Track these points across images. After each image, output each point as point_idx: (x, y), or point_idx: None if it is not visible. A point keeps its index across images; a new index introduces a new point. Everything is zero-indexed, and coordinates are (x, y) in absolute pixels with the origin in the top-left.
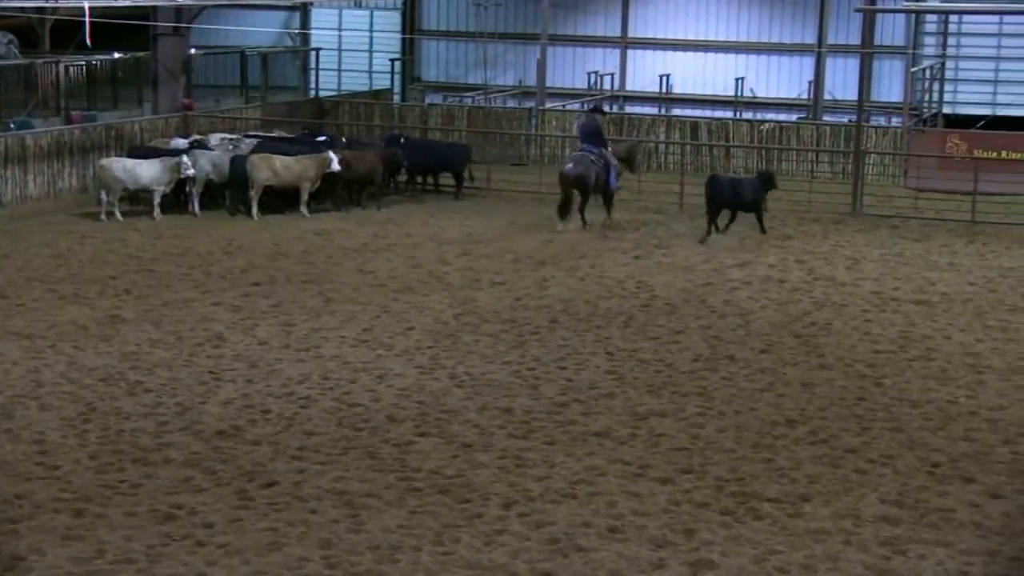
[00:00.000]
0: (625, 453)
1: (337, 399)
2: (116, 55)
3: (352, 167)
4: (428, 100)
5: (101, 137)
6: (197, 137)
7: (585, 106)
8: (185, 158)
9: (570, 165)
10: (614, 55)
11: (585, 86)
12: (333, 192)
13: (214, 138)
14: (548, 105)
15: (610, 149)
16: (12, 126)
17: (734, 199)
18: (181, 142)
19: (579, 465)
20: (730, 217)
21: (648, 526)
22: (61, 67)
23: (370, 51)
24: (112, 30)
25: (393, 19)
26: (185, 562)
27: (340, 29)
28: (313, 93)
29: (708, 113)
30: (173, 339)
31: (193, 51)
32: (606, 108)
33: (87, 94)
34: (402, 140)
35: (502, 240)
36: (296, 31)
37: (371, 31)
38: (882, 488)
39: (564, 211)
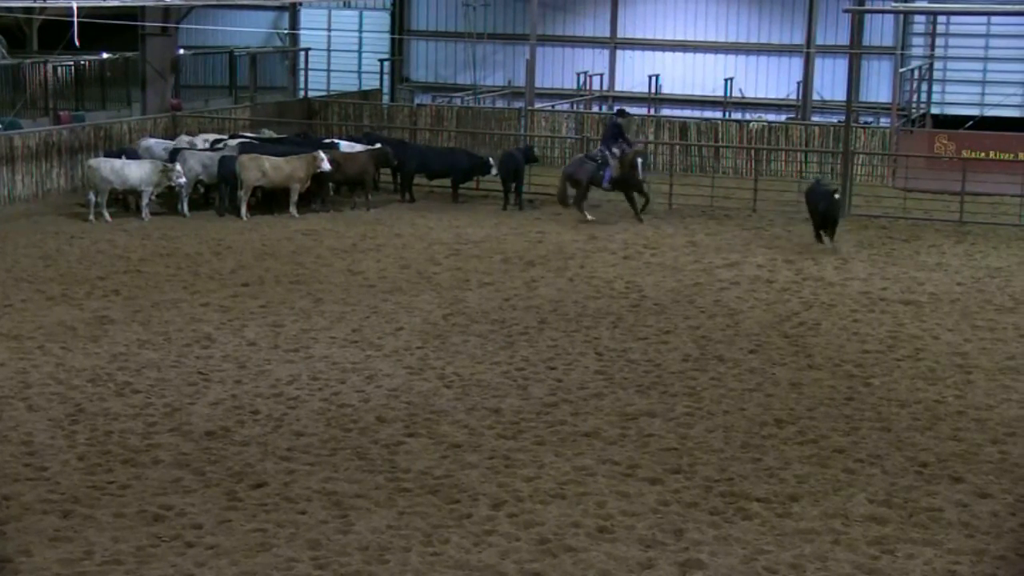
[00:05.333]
0: (614, 453)
1: (326, 400)
2: (104, 55)
3: (342, 168)
4: (417, 100)
5: (89, 137)
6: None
7: (574, 106)
8: (177, 165)
9: (569, 163)
10: (603, 55)
11: (574, 86)
12: (321, 192)
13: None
14: (537, 105)
15: (616, 151)
16: (0, 126)
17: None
18: (153, 142)
19: (568, 465)
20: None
21: (637, 526)
22: (49, 67)
23: (359, 51)
24: (100, 30)
25: (382, 19)
26: (174, 563)
27: (329, 29)
28: (302, 93)
29: (697, 113)
30: (161, 340)
31: (181, 51)
32: (594, 107)
33: (75, 94)
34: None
35: (491, 240)
36: (285, 31)
37: (360, 31)
38: (870, 488)
39: (561, 201)
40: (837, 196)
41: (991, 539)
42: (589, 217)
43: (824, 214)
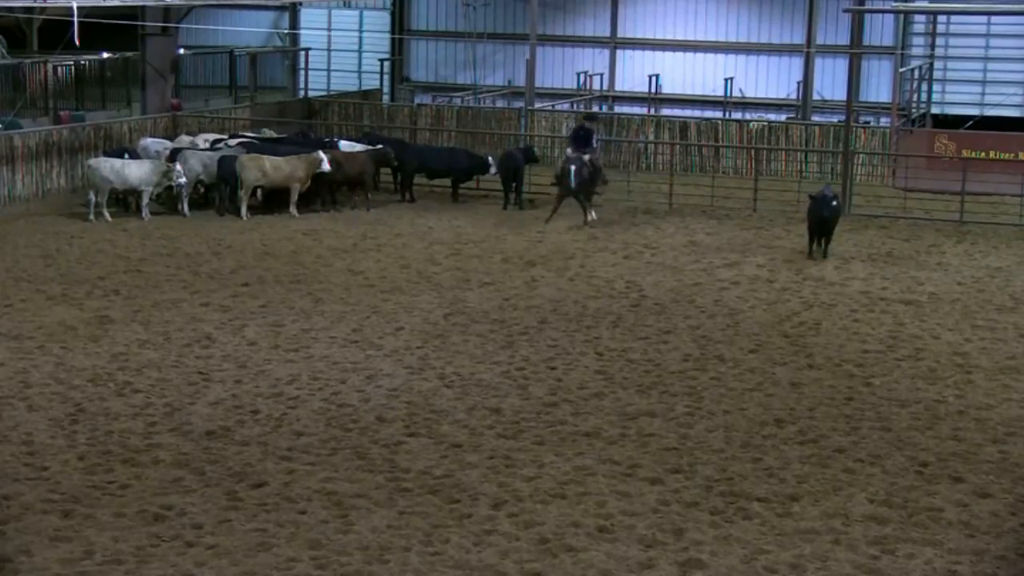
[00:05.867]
0: (614, 453)
1: (326, 399)
2: (104, 55)
3: (343, 168)
4: (417, 100)
5: (90, 137)
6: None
7: (575, 106)
8: (177, 164)
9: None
10: (603, 55)
11: (574, 86)
12: (322, 193)
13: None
14: (537, 105)
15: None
16: (0, 126)
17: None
18: (149, 142)
19: (568, 465)
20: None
21: (637, 526)
22: (49, 67)
23: (359, 51)
24: (100, 30)
25: (382, 19)
26: (174, 563)
27: (329, 29)
28: (302, 93)
29: (697, 113)
30: (162, 340)
31: (181, 51)
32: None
33: (75, 94)
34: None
35: (491, 240)
36: (285, 31)
37: (360, 31)
38: (871, 487)
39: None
40: (836, 203)
41: (991, 539)
42: (591, 215)
43: (822, 222)
